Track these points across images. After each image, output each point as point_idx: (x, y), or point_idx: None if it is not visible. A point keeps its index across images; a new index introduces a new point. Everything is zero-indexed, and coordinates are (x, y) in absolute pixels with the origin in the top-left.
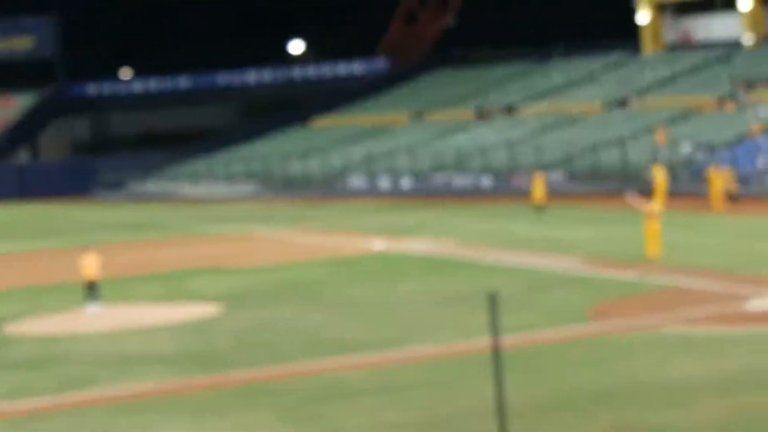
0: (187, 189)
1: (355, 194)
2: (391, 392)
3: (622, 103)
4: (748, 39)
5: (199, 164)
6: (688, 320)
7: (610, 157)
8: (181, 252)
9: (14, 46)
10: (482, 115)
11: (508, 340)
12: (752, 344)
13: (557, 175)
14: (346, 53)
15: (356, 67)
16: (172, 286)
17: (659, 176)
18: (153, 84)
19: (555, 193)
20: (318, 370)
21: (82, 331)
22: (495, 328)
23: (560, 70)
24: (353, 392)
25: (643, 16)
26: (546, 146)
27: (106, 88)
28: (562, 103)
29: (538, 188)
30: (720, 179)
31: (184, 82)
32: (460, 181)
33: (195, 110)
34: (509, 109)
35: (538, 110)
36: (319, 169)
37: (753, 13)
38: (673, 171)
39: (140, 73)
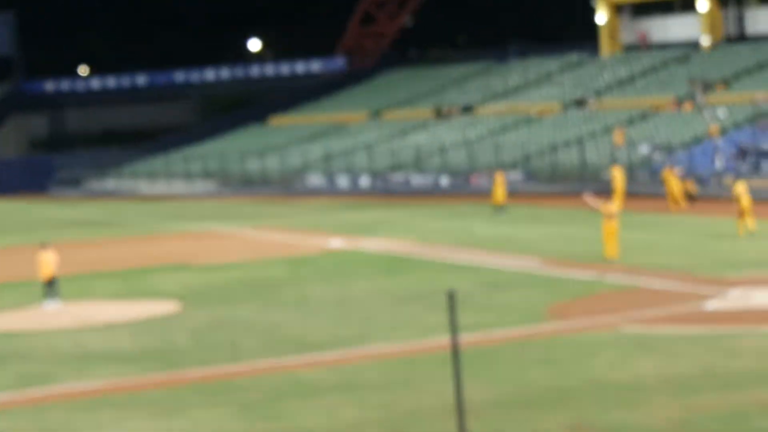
0: (145, 186)
1: (314, 192)
2: (350, 390)
3: (580, 103)
4: (705, 40)
5: (158, 162)
6: (646, 320)
7: (568, 157)
8: (139, 249)
9: None
10: (440, 115)
11: (467, 338)
12: (709, 344)
13: (515, 175)
14: (305, 52)
15: (314, 66)
16: (130, 283)
17: (617, 176)
18: (111, 81)
19: (513, 193)
20: (277, 367)
21: (41, 328)
22: (453, 327)
23: (518, 70)
24: (312, 390)
25: (600, 17)
26: (504, 146)
27: (64, 85)
28: (521, 103)
29: (498, 187)
30: (674, 179)
31: (141, 79)
32: (419, 180)
33: (153, 108)
34: (467, 109)
35: (497, 110)
36: (278, 168)
37: (710, 14)
38: (631, 171)
39: (98, 70)
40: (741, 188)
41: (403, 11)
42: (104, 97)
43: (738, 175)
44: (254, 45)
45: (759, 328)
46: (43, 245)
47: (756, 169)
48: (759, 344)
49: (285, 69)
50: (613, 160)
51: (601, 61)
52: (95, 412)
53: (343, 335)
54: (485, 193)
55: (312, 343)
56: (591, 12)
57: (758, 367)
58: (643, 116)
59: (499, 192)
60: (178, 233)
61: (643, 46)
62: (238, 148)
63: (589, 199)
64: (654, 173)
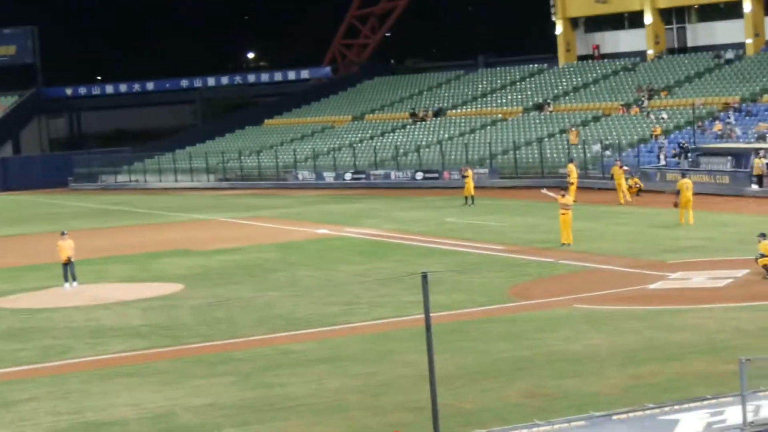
0: (153, 181)
1: (304, 186)
2: (334, 362)
3: (539, 107)
4: (650, 52)
5: (164, 159)
6: (597, 299)
7: (529, 155)
8: (148, 236)
9: None
10: (416, 118)
11: (439, 315)
12: (652, 321)
13: (482, 171)
14: (296, 62)
15: (304, 74)
16: (140, 266)
17: (573, 172)
18: (122, 87)
19: (480, 187)
20: (270, 342)
21: (60, 306)
22: (426, 305)
23: (485, 78)
24: (301, 362)
25: (558, 31)
26: (473, 145)
27: (81, 90)
28: (487, 108)
29: (468, 182)
30: (621, 175)
31: (150, 85)
32: (397, 175)
33: (160, 111)
34: (440, 113)
35: (466, 113)
36: (272, 164)
37: (655, 29)
38: (584, 168)
39: (112, 77)
40: (686, 183)
41: (384, 25)
42: (117, 102)
43: (684, 173)
44: (251, 56)
45: (696, 306)
46: (62, 233)
47: (695, 165)
48: (696, 320)
49: (278, 77)
50: (569, 158)
51: (559, 70)
52: (109, 380)
53: (329, 312)
54: (456, 187)
55: (301, 319)
56: (549, 27)
57: (695, 341)
58: (596, 119)
59: (468, 185)
60: (183, 222)
61: (595, 57)
62: (237, 146)
63: (548, 192)
64: (605, 169)
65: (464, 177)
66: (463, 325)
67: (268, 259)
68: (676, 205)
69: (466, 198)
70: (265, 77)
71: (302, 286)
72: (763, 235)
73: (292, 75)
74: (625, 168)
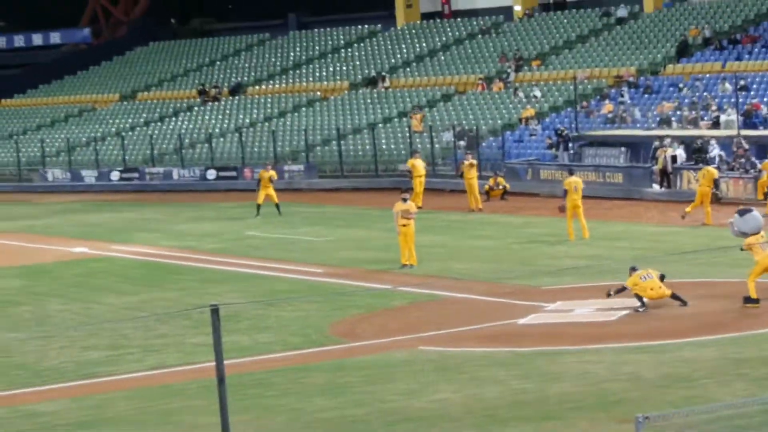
0: None
1: (55, 190)
2: (96, 426)
3: (372, 82)
4: (517, 9)
5: None
6: (448, 339)
7: (358, 146)
8: None
9: None
10: (206, 97)
11: (237, 363)
12: (522, 367)
13: (295, 169)
14: (44, 23)
15: (55, 38)
16: None
17: (416, 169)
18: None
19: (293, 189)
20: (9, 401)
21: None
22: (218, 349)
23: (299, 44)
24: (51, 428)
25: None
26: (282, 133)
27: None
28: (301, 83)
29: (266, 183)
30: (472, 172)
31: None
32: (182, 173)
33: None
34: (238, 89)
35: (272, 90)
36: (11, 160)
37: None
38: (432, 163)
39: None
40: (574, 182)
41: None
42: None
43: (572, 170)
44: None
45: (579, 347)
46: None
47: (577, 158)
48: (579, 366)
49: (19, 41)
50: (412, 150)
51: (397, 32)
52: None
53: (88, 360)
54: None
55: (51, 370)
56: None
57: (578, 392)
58: (446, 97)
59: (267, 188)
60: None
61: (445, 15)
62: None
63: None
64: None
65: (262, 180)
66: (269, 375)
67: (7, 289)
68: (562, 209)
69: (258, 207)
70: (0, 42)
71: (53, 325)
72: (633, 269)
73: (38, 39)
74: (474, 162)
